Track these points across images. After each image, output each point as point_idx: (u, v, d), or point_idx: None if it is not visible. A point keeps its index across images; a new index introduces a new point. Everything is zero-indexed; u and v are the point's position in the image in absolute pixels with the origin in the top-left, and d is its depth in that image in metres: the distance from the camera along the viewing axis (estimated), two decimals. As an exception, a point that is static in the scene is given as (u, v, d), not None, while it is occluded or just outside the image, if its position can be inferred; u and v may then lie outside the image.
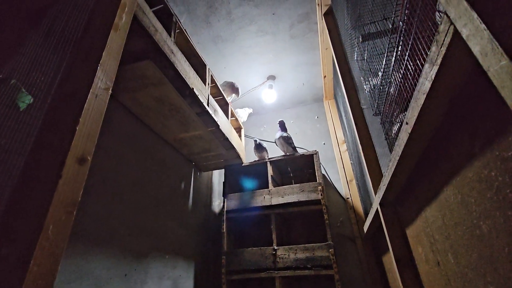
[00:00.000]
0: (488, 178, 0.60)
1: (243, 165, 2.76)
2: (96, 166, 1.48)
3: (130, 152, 1.78)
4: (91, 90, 0.77)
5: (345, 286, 2.34)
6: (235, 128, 2.84)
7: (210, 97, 1.99)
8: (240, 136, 2.89)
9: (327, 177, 2.93)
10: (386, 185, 1.19)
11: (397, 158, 0.93)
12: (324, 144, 3.13)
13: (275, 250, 2.27)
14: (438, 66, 0.58)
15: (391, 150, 1.14)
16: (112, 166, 1.60)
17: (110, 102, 1.57)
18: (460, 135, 0.68)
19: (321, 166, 2.87)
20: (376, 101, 1.26)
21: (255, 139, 2.78)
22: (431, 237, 0.97)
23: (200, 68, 1.99)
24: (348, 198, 2.72)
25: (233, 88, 2.61)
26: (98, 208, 1.47)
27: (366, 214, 2.30)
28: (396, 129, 1.09)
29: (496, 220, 0.60)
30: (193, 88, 1.67)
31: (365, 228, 2.23)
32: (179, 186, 2.35)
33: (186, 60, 1.64)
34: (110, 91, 0.85)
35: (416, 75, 0.78)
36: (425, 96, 0.65)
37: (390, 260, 1.80)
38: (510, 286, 0.58)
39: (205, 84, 1.92)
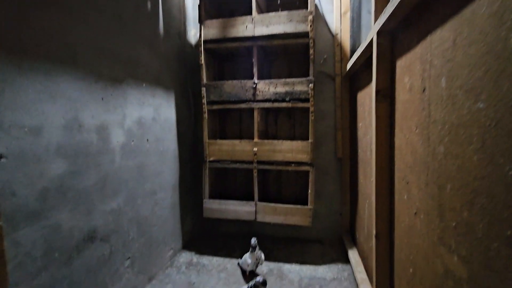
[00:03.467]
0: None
1: (221, -16, 2.26)
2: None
3: None
4: None
5: (317, 118, 2.58)
6: None
7: None
8: None
9: (319, 6, 2.57)
10: (395, 5, 1.01)
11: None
12: (322, -38, 2.53)
13: (255, 83, 2.27)
14: None
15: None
16: (45, -38, 1.19)
17: None
18: None
19: (315, -7, 2.44)
20: None
21: None
22: (428, 63, 0.92)
23: None
24: (337, 34, 2.52)
25: None
26: (45, 22, 1.20)
27: (353, 52, 2.20)
28: None
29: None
30: None
31: (349, 65, 2.19)
32: (145, 4, 1.96)
33: None
34: None
35: None
36: None
37: (365, 95, 1.88)
38: (507, 102, 0.57)
39: None
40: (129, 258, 1.75)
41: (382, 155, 1.30)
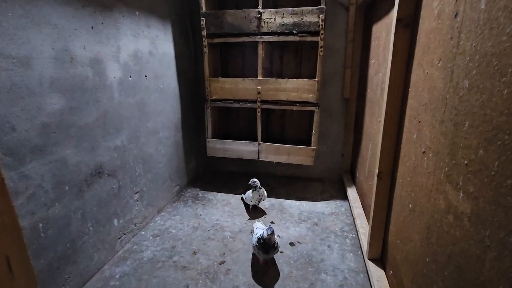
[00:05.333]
0: None
1: None
2: None
3: None
4: None
5: (326, 55, 2.42)
6: None
7: None
8: None
9: None
10: None
11: None
12: None
13: (260, 13, 2.06)
14: None
15: None
16: None
17: None
18: None
19: None
20: None
21: None
22: (466, -19, 0.78)
23: None
24: (355, -48, 2.18)
25: None
26: None
27: (372, -26, 1.93)
28: None
29: None
30: None
31: (366, -9, 1.95)
32: None
33: None
34: None
35: None
36: None
37: (382, 27, 1.71)
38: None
39: None
40: (137, 192, 1.83)
41: (395, 93, 1.23)
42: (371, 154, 1.85)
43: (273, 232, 1.46)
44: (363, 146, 2.13)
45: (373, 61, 1.89)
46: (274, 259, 1.61)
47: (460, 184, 0.78)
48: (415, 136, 1.09)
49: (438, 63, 0.93)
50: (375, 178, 1.39)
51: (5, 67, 1.02)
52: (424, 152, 1.00)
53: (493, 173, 0.65)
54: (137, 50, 1.76)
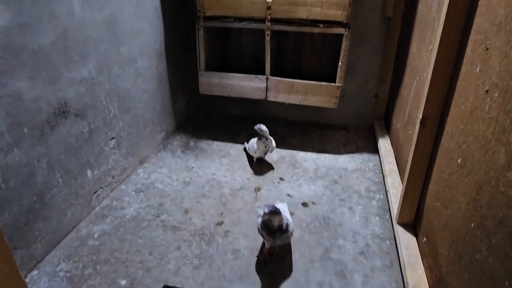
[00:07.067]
0: None
1: None
2: None
3: None
4: None
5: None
6: None
7: None
8: None
9: None
10: None
11: None
12: None
13: None
14: None
15: None
16: None
17: None
18: None
19: None
20: None
21: None
22: None
23: None
24: None
25: None
26: None
27: None
28: None
29: None
30: None
31: None
32: None
33: None
34: None
35: None
36: None
37: None
38: None
39: None
40: (113, 138, 1.87)
41: (457, 8, 1.15)
42: (414, 94, 1.82)
43: (275, 212, 1.35)
44: (404, 84, 2.08)
45: (430, -37, 1.73)
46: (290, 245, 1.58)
47: (530, 133, 0.77)
48: (478, 70, 1.05)
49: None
50: (417, 125, 1.38)
51: None
52: (487, 91, 0.98)
53: None
54: None
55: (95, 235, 1.59)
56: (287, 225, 1.39)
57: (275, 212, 1.35)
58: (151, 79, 2.19)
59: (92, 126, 1.69)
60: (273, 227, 1.37)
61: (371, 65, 2.53)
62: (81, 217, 1.68)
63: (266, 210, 1.34)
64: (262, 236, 1.44)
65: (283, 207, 1.55)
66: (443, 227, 1.21)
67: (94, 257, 1.47)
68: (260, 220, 1.42)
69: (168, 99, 2.46)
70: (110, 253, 1.49)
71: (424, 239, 1.39)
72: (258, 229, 1.45)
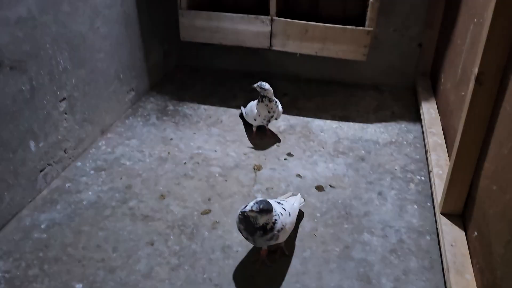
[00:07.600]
0: None
1: None
2: None
3: None
4: None
5: None
6: None
7: None
8: None
9: None
10: None
11: None
12: None
13: None
14: None
15: None
16: None
17: None
18: None
19: None
20: None
21: None
22: None
23: None
24: None
25: None
26: None
27: None
28: None
29: None
30: None
31: None
32: None
33: None
34: None
35: None
36: None
37: None
38: None
39: None
40: (64, 99, 1.85)
41: None
42: (470, 43, 1.78)
43: (265, 210, 1.28)
44: (458, 30, 2.04)
45: None
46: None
47: None
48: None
49: None
50: (472, 83, 1.35)
51: None
52: None
53: None
54: None
55: (42, 226, 1.61)
56: (274, 222, 1.34)
57: (266, 209, 1.29)
58: (114, 20, 2.16)
59: (34, 82, 1.67)
60: (255, 225, 1.32)
61: (414, 3, 2.48)
62: (23, 203, 1.69)
63: (255, 208, 1.27)
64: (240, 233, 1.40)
65: (292, 204, 1.51)
66: (500, 218, 1.20)
67: (41, 254, 1.49)
68: (239, 211, 1.37)
69: (138, 48, 2.43)
70: (61, 249, 1.51)
71: (475, 233, 1.39)
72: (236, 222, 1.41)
